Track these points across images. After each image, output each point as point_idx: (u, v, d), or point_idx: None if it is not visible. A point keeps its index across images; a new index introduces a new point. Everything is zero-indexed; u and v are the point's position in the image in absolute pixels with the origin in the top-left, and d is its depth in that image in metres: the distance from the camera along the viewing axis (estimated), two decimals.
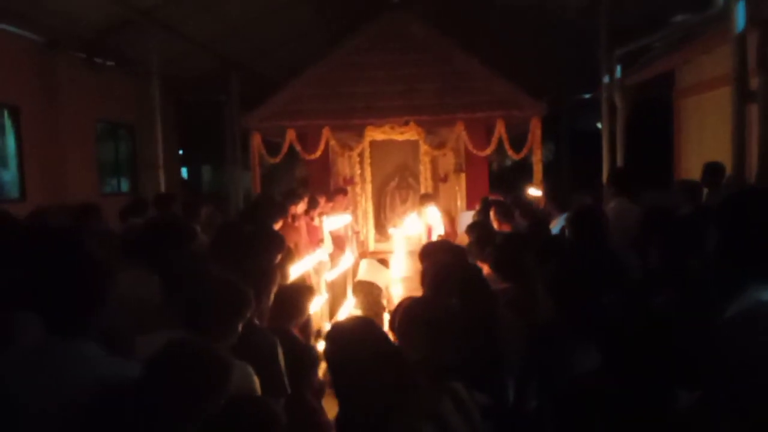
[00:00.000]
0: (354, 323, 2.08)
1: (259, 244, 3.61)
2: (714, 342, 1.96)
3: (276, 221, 4.71)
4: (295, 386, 3.07)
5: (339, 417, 1.78)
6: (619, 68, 8.88)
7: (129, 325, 2.64)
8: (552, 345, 2.20)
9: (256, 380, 2.47)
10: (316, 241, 6.36)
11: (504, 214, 5.27)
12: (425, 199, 7.81)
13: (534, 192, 8.11)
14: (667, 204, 4.76)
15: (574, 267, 2.38)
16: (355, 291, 6.69)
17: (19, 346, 2.21)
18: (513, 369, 2.34)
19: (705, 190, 5.70)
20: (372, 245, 8.87)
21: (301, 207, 6.19)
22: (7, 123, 7.96)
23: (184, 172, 14.05)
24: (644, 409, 1.61)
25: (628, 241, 4.02)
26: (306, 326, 3.84)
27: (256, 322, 2.99)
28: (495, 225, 5.18)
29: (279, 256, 3.79)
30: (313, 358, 3.33)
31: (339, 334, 1.89)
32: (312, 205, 6.53)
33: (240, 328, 2.58)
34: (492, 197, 7.77)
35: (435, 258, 3.40)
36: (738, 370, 1.55)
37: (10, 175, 8.12)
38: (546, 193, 6.18)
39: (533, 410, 2.13)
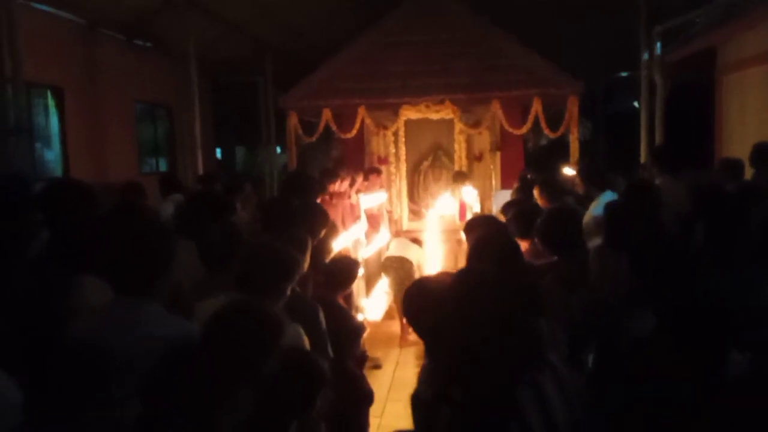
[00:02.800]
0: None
1: (303, 217, 3.69)
2: (762, 308, 1.99)
3: (315, 198, 4.78)
4: (338, 354, 3.16)
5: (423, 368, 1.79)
6: (659, 45, 8.73)
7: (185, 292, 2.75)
8: (611, 312, 2.23)
9: (306, 340, 2.56)
10: (353, 218, 6.42)
11: (550, 193, 5.25)
12: (459, 177, 7.81)
13: (569, 171, 8.03)
14: (710, 182, 4.71)
15: (662, 239, 2.40)
16: (385, 268, 6.76)
17: (88, 306, 2.33)
18: (559, 340, 2.36)
19: (752, 170, 5.59)
20: (405, 224, 8.91)
21: (339, 185, 6.26)
22: (51, 103, 8.17)
23: (218, 152, 14.22)
24: (695, 373, 1.63)
25: (675, 219, 4.00)
26: (349, 297, 3.93)
27: (298, 289, 3.09)
28: (541, 203, 5.15)
29: (322, 231, 3.88)
30: (356, 329, 3.41)
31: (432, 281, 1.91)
32: (350, 183, 6.60)
33: (289, 291, 2.67)
34: (529, 175, 7.74)
35: (477, 232, 3.43)
36: None
37: (54, 154, 8.34)
38: (583, 172, 6.09)
39: (589, 374, 2.16)
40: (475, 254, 2.95)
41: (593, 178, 5.71)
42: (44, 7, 7.45)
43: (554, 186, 5.45)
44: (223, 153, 14.95)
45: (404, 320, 5.89)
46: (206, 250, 2.90)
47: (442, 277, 2.16)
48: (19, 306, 2.30)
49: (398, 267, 6.55)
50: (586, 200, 5.46)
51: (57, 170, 8.19)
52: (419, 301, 1.91)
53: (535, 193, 5.28)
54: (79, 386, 1.74)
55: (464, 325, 1.72)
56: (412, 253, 6.78)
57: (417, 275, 6.65)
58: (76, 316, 2.30)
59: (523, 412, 1.62)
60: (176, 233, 3.24)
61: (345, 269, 3.71)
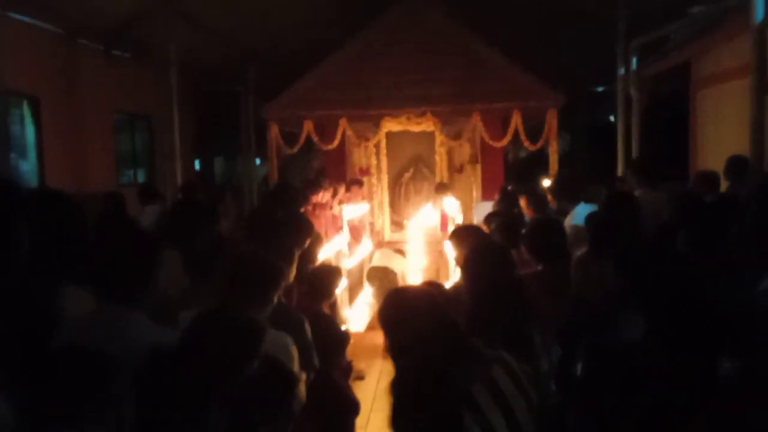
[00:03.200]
0: (417, 290, 2.12)
1: (289, 228, 3.67)
2: (751, 312, 2.02)
3: (299, 208, 4.77)
4: (324, 364, 3.14)
5: (394, 381, 1.82)
6: (635, 60, 8.88)
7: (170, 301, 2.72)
8: (600, 317, 2.25)
9: (295, 350, 2.54)
10: (336, 229, 6.41)
11: (537, 204, 5.32)
12: (441, 188, 7.84)
13: (548, 183, 8.12)
14: (690, 192, 4.80)
15: (646, 247, 2.44)
16: (369, 278, 6.76)
17: (72, 316, 2.29)
18: (550, 350, 2.38)
19: (726, 183, 5.69)
20: (387, 235, 8.91)
21: (321, 196, 6.26)
22: (27, 113, 8.04)
23: (196, 163, 14.11)
24: (688, 377, 1.65)
25: (654, 229, 4.06)
26: (333, 307, 3.92)
27: (283, 300, 3.06)
28: (527, 213, 5.23)
29: (307, 241, 3.86)
30: (341, 338, 3.39)
31: (401, 298, 1.93)
32: (332, 194, 6.60)
33: (275, 300, 2.65)
34: (510, 187, 7.80)
35: (468, 242, 3.43)
36: None
37: (30, 165, 8.20)
38: (553, 189, 6.13)
39: (579, 379, 2.18)
40: (472, 263, 2.93)
41: (563, 192, 5.75)
42: (22, 17, 7.36)
43: (541, 197, 5.52)
44: (201, 163, 14.83)
45: None
46: (192, 260, 2.87)
47: (420, 289, 2.17)
48: (2, 315, 2.25)
49: (382, 277, 6.55)
50: (559, 214, 5.53)
51: (33, 181, 8.05)
52: (396, 312, 1.92)
53: (522, 203, 5.33)
54: (79, 389, 1.71)
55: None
56: (396, 263, 6.79)
57: (401, 284, 6.66)
58: (59, 326, 2.26)
59: (483, 411, 1.67)
60: (161, 242, 3.22)
61: (327, 278, 3.70)
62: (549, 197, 6.14)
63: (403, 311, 1.84)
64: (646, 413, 1.64)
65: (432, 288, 2.44)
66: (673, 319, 1.69)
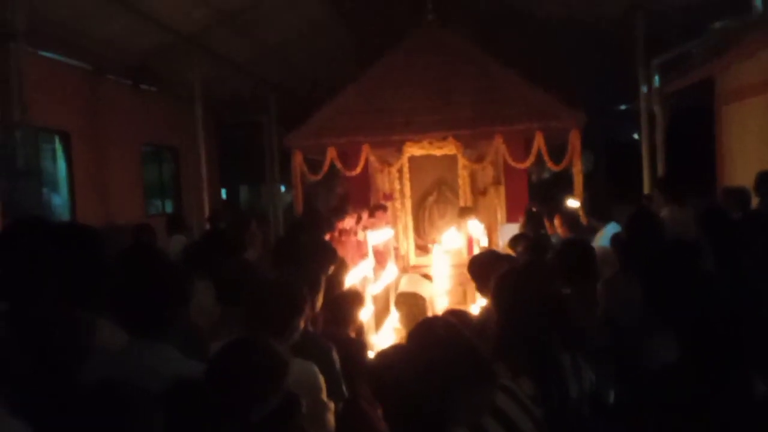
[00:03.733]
0: (392, 349, 2.14)
1: (312, 255, 3.69)
2: None
3: (324, 236, 4.80)
4: (352, 392, 3.12)
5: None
6: (657, 77, 8.84)
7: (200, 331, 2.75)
8: (632, 340, 2.23)
9: (322, 379, 2.53)
10: (361, 254, 6.43)
11: (571, 223, 5.32)
12: (465, 212, 7.83)
13: (573, 203, 8.06)
14: (717, 209, 4.73)
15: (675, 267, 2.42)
16: (397, 304, 6.71)
17: (102, 348, 2.32)
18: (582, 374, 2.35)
19: (757, 199, 5.61)
20: (413, 260, 8.90)
21: (347, 222, 6.29)
22: (58, 148, 8.26)
23: (222, 191, 14.32)
24: (723, 398, 1.62)
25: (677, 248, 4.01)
26: (360, 332, 3.90)
27: (310, 329, 3.06)
28: (561, 233, 5.22)
29: (331, 267, 3.88)
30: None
31: (382, 366, 1.94)
32: (357, 220, 6.63)
33: (300, 328, 2.66)
34: (534, 208, 7.77)
35: (491, 270, 3.39)
36: None
37: (62, 199, 8.39)
38: (585, 205, 6.16)
39: (613, 402, 2.15)
40: (496, 290, 2.89)
41: (595, 211, 5.75)
42: (51, 55, 7.60)
43: (574, 216, 5.51)
44: (227, 192, 15.05)
45: None
46: (222, 289, 2.90)
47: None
48: (35, 349, 2.29)
49: (412, 303, 6.51)
50: (589, 233, 5.49)
51: (64, 214, 8.23)
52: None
53: (556, 222, 5.32)
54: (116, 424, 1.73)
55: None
56: (424, 288, 6.76)
57: (430, 311, 6.62)
58: (89, 359, 2.29)
59: None
60: (190, 274, 3.26)
61: (347, 304, 3.67)
62: (581, 215, 6.16)
63: (387, 379, 1.87)
64: None
65: (451, 320, 2.43)
66: (705, 342, 1.67)
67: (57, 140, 8.18)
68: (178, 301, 2.22)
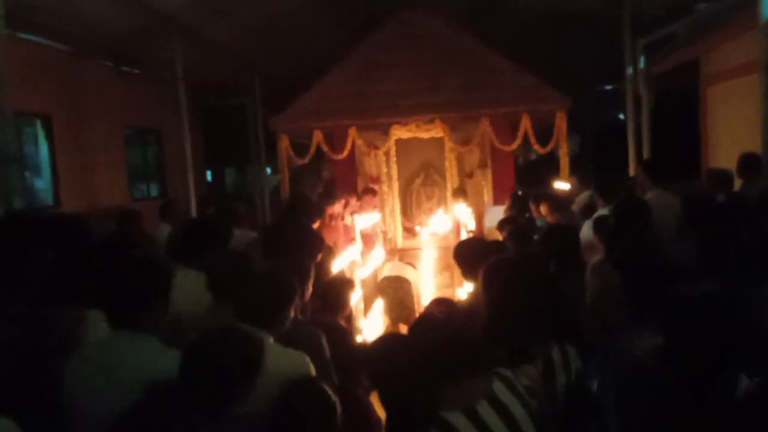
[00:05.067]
0: (385, 337, 2.18)
1: (301, 244, 3.68)
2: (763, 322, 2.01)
3: (315, 222, 4.78)
4: (345, 380, 3.14)
5: (388, 416, 1.86)
6: (642, 58, 8.85)
7: (186, 322, 2.74)
8: (614, 328, 2.25)
9: (312, 369, 2.54)
10: (349, 239, 6.42)
11: (557, 206, 5.32)
12: (457, 193, 7.84)
13: (561, 185, 8.09)
14: (701, 194, 4.76)
15: (650, 252, 2.44)
16: (381, 289, 6.70)
17: (88, 341, 2.32)
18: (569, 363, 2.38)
19: (739, 181, 5.66)
20: (400, 242, 8.92)
21: (336, 207, 6.28)
22: (40, 132, 8.14)
23: (208, 174, 14.22)
24: (706, 393, 1.64)
25: (670, 231, 4.04)
26: (350, 319, 3.91)
27: (300, 317, 3.06)
28: (550, 218, 5.22)
29: (320, 254, 3.87)
30: (363, 353, 3.38)
31: (373, 350, 1.97)
32: (344, 204, 6.62)
33: (291, 315, 2.66)
34: (520, 192, 7.80)
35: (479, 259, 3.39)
36: None
37: (44, 182, 8.29)
38: (592, 184, 6.12)
39: (595, 390, 2.18)
40: (486, 281, 2.90)
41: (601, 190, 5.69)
42: (30, 37, 7.44)
43: (562, 201, 5.51)
44: (212, 174, 14.93)
45: None
46: (212, 280, 2.88)
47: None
48: (18, 343, 2.28)
49: (397, 287, 6.53)
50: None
51: (47, 198, 8.14)
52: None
53: (543, 210, 5.32)
54: None
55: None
56: (408, 274, 6.77)
57: (415, 294, 6.64)
58: (75, 351, 2.29)
59: (485, 423, 1.76)
60: (175, 261, 3.24)
61: (340, 290, 3.68)
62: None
63: (381, 370, 1.90)
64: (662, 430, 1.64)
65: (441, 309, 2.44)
66: (688, 333, 1.69)
67: (38, 124, 8.06)
68: (156, 293, 2.21)
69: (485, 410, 1.77)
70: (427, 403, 1.76)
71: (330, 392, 2.18)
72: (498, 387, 1.84)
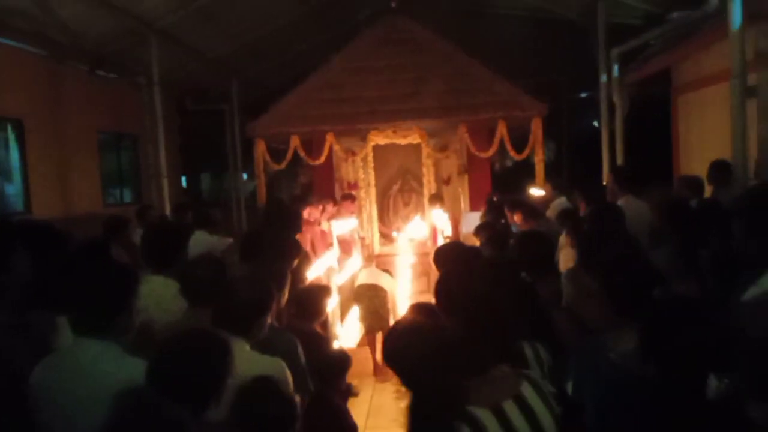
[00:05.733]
0: (407, 326, 2.14)
1: (277, 251, 3.66)
2: (735, 323, 2.05)
3: (295, 232, 4.71)
4: (321, 386, 3.12)
5: (411, 405, 1.84)
6: (616, 67, 8.98)
7: (158, 327, 2.70)
8: (591, 331, 2.27)
9: (289, 375, 2.53)
10: (325, 245, 6.40)
11: (532, 214, 5.38)
12: (433, 199, 7.87)
13: (536, 191, 8.17)
14: (676, 199, 4.84)
15: (632, 258, 2.47)
16: (357, 297, 6.67)
17: (56, 348, 2.29)
18: (542, 362, 2.41)
19: (710, 187, 5.76)
20: (377, 248, 8.92)
21: (308, 212, 6.25)
22: (11, 136, 7.99)
23: (183, 180, 14.08)
24: (679, 393, 1.67)
25: (642, 237, 4.09)
26: (326, 326, 3.90)
27: (275, 323, 3.04)
28: (524, 226, 5.28)
29: (295, 261, 3.86)
30: (342, 361, 3.37)
31: (396, 339, 1.95)
32: (321, 210, 6.60)
33: (267, 321, 2.64)
34: (495, 198, 7.85)
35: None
36: (759, 348, 1.62)
37: (15, 188, 8.13)
38: (576, 188, 6.22)
39: (570, 396, 2.19)
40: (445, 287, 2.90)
41: (586, 194, 5.77)
42: (4, 40, 7.32)
43: (536, 209, 5.57)
44: (188, 180, 14.79)
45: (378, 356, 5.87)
46: (188, 288, 2.84)
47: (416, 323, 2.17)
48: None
49: (372, 295, 6.49)
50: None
51: (18, 204, 7.98)
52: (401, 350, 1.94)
53: (517, 218, 5.37)
54: None
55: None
56: (384, 281, 6.76)
57: (390, 303, 6.62)
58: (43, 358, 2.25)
59: (510, 422, 1.77)
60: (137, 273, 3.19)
61: (315, 297, 3.67)
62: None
63: (402, 352, 1.87)
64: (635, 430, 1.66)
65: (425, 311, 2.45)
66: (661, 335, 1.71)
67: (10, 128, 7.91)
68: (120, 301, 2.19)
69: (512, 410, 1.78)
70: (454, 397, 1.75)
71: (219, 336, 2.12)
72: (526, 389, 1.85)
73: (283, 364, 2.52)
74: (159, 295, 2.93)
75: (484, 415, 1.74)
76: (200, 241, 4.72)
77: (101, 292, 2.17)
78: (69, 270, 2.92)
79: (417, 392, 1.78)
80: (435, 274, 6.78)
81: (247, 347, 2.50)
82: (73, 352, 2.15)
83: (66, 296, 2.23)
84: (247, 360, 2.40)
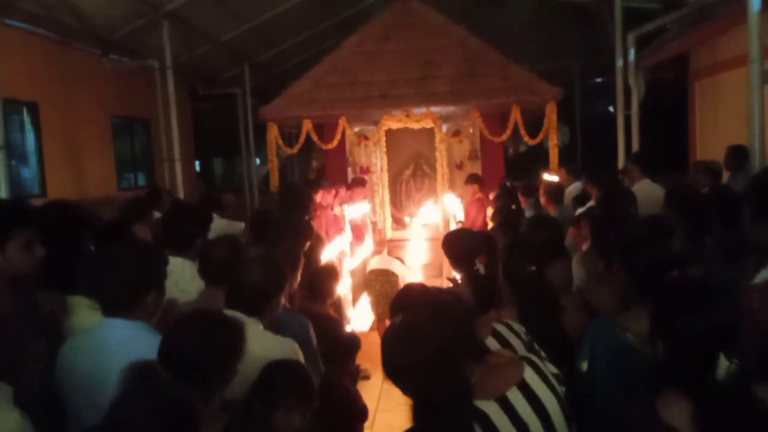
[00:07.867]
0: (401, 326, 2.09)
1: (290, 232, 3.68)
2: (745, 306, 2.04)
3: (309, 214, 4.73)
4: (331, 368, 3.14)
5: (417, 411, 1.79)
6: (633, 51, 8.88)
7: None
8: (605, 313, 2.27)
9: (301, 355, 2.55)
10: (337, 229, 6.42)
11: (553, 196, 5.40)
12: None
13: (550, 177, 8.12)
14: (686, 186, 4.80)
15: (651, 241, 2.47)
16: (368, 283, 6.67)
17: (74, 328, 2.31)
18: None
19: (727, 173, 5.70)
20: (389, 233, 8.92)
21: (321, 196, 6.26)
22: (27, 120, 8.05)
23: (196, 165, 14.16)
24: (689, 374, 1.66)
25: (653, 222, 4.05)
26: (338, 307, 3.92)
27: (288, 305, 3.06)
28: (549, 209, 5.33)
29: (307, 243, 3.87)
30: (351, 343, 3.39)
31: (389, 345, 1.89)
32: (334, 194, 6.61)
33: (281, 302, 2.66)
34: (508, 183, 7.82)
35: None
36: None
37: (31, 171, 8.21)
38: (584, 174, 6.22)
39: (585, 372, 2.19)
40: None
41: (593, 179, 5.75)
42: (19, 24, 7.36)
43: (559, 191, 5.57)
44: (201, 165, 14.87)
45: None
46: (205, 268, 2.87)
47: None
48: (9, 330, 2.26)
49: (384, 280, 6.49)
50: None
51: (34, 187, 8.06)
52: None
53: (543, 200, 5.39)
54: None
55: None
56: (396, 267, 6.77)
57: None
58: (69, 338, 2.28)
59: (519, 415, 1.73)
60: (165, 247, 3.22)
61: (325, 279, 3.69)
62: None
63: (395, 359, 1.83)
64: (647, 412, 1.66)
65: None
66: (672, 318, 1.71)
67: (25, 112, 7.97)
68: (146, 280, 2.20)
69: (517, 400, 1.75)
70: (460, 390, 1.70)
71: (231, 318, 2.11)
72: (528, 374, 1.81)
73: (296, 345, 2.54)
74: (177, 276, 2.96)
75: (492, 410, 1.71)
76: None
77: (131, 270, 2.18)
78: (97, 249, 2.96)
79: (423, 397, 1.73)
80: (446, 259, 6.81)
81: (261, 327, 2.52)
82: (104, 333, 2.16)
83: (94, 275, 2.24)
84: (261, 340, 2.41)
